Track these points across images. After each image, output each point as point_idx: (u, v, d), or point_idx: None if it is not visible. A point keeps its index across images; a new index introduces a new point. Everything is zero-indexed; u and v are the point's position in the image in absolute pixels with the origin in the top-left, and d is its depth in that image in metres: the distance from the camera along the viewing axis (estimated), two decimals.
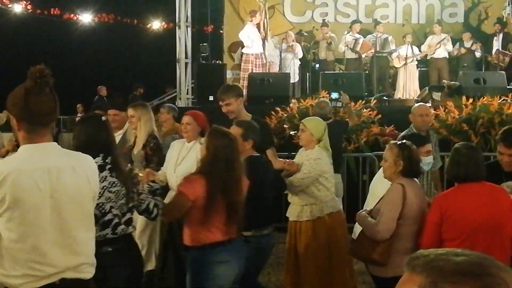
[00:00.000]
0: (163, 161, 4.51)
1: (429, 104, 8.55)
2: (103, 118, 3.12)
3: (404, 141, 3.51)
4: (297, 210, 4.30)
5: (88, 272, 2.33)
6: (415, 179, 3.44)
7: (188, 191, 3.15)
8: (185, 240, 3.26)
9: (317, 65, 11.21)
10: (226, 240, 3.20)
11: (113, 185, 2.90)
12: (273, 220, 4.07)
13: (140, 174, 3.68)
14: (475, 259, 0.94)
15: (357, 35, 11.01)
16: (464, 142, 3.55)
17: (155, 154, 4.64)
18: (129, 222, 3.00)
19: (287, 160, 4.50)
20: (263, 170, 3.78)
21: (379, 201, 3.44)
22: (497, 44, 10.91)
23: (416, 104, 5.59)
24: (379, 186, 3.65)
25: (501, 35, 10.90)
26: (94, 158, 2.59)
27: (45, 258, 2.18)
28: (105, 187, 2.85)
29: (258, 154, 3.82)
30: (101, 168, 2.80)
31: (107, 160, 2.91)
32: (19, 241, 2.14)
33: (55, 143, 2.32)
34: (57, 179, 2.19)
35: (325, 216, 4.24)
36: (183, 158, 4.30)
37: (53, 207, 2.19)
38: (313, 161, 4.20)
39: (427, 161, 3.87)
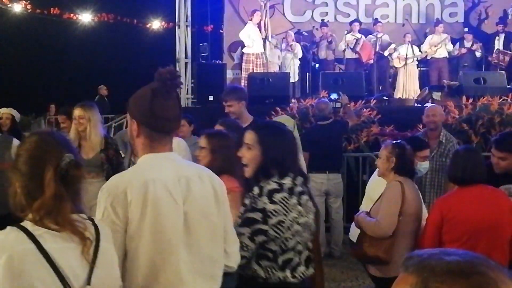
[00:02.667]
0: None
1: (429, 104, 8.57)
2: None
3: (399, 140, 3.57)
4: None
5: None
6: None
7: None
8: None
9: (317, 65, 11.21)
10: None
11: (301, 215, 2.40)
12: None
13: None
14: (466, 258, 0.95)
15: (358, 35, 11.01)
16: (464, 144, 3.58)
17: (117, 156, 4.47)
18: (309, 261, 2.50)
19: None
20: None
21: (376, 202, 3.46)
22: (499, 43, 10.89)
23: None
24: (376, 189, 3.67)
25: (503, 35, 10.88)
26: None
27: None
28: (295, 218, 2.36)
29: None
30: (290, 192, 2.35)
31: (295, 181, 2.40)
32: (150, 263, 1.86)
33: (176, 153, 2.06)
34: (187, 189, 1.93)
35: None
36: None
37: (186, 222, 1.92)
38: None
39: (422, 166, 3.89)
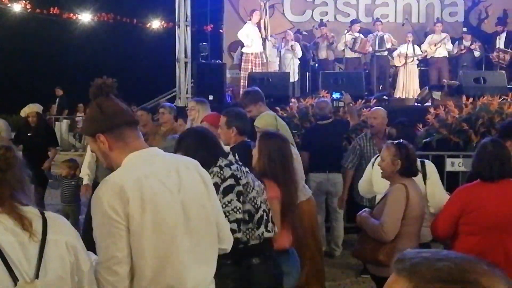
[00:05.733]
0: None
1: (429, 104, 8.57)
2: None
3: (401, 140, 3.52)
4: None
5: None
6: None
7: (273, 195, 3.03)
8: None
9: (317, 65, 11.20)
10: (289, 248, 3.08)
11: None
12: None
13: None
14: (458, 264, 0.93)
15: (357, 34, 11.01)
16: (491, 138, 3.51)
17: None
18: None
19: None
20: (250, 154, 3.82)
21: (379, 201, 3.44)
22: (499, 42, 10.88)
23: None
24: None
25: (504, 34, 10.87)
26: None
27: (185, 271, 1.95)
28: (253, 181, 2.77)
29: (246, 140, 3.78)
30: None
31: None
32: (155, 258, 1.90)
33: (156, 147, 2.11)
34: (178, 178, 1.97)
35: None
36: None
37: (183, 211, 1.97)
38: None
39: None
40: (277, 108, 7.42)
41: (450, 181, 6.05)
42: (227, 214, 2.52)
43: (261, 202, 2.77)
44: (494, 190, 3.11)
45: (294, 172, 3.22)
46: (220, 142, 2.83)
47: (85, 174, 5.57)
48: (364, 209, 3.62)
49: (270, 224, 2.80)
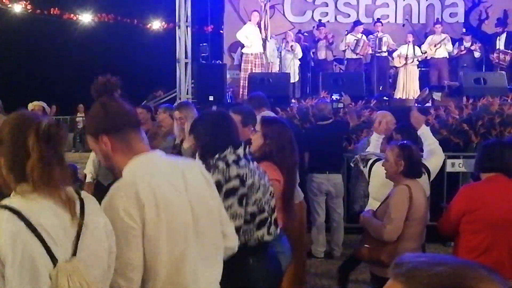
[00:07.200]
0: None
1: (429, 104, 8.58)
2: None
3: (404, 141, 3.51)
4: None
5: None
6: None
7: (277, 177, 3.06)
8: None
9: (313, 63, 11.18)
10: (282, 228, 3.06)
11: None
12: None
13: None
14: (456, 269, 0.92)
15: (359, 36, 11.01)
16: (495, 138, 3.54)
17: None
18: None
19: None
20: None
21: (383, 202, 3.44)
22: (499, 43, 10.87)
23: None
24: (381, 190, 3.66)
25: (504, 35, 10.88)
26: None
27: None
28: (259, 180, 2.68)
29: None
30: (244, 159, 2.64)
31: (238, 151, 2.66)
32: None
33: (158, 150, 2.08)
34: (183, 178, 1.96)
35: None
36: None
37: (192, 211, 1.95)
38: None
39: None
40: (278, 109, 7.42)
41: (451, 182, 6.06)
42: None
43: (265, 203, 2.69)
44: (499, 188, 3.12)
45: (297, 157, 3.31)
46: (234, 131, 2.73)
47: (88, 172, 5.62)
48: (367, 209, 3.62)
49: (272, 228, 2.74)
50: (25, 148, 1.58)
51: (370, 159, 4.14)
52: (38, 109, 7.11)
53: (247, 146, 2.71)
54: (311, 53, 11.26)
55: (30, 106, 7.22)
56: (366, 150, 4.44)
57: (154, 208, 1.81)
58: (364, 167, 4.19)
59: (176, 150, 4.89)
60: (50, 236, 1.54)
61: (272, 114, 5.05)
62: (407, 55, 10.79)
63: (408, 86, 10.82)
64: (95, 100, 1.99)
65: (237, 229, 2.49)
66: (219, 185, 2.44)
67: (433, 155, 4.10)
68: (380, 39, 10.85)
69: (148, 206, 1.80)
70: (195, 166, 2.10)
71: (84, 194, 1.71)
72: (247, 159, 2.65)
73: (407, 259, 0.98)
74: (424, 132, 4.18)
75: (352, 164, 4.68)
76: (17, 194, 1.58)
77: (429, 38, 11.16)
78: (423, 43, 11.18)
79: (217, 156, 2.57)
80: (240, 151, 2.62)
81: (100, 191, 4.84)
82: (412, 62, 10.91)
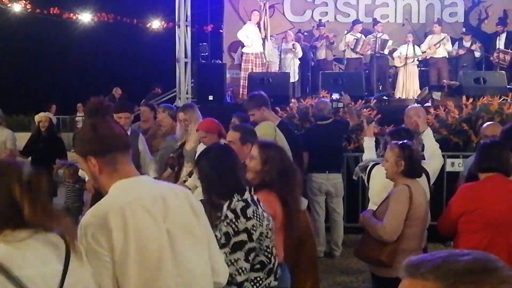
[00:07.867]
0: None
1: (429, 104, 8.57)
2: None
3: (405, 141, 3.51)
4: None
5: None
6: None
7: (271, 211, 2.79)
8: None
9: (313, 62, 11.18)
10: (282, 263, 2.86)
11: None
12: None
13: None
14: (479, 256, 0.97)
15: (358, 35, 11.01)
16: (492, 139, 3.55)
17: None
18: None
19: None
20: None
21: (383, 202, 3.44)
22: (499, 43, 10.87)
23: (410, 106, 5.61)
24: (381, 193, 3.65)
25: (504, 35, 10.87)
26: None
27: None
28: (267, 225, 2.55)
29: None
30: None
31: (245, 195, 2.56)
32: None
33: (146, 175, 2.09)
34: (164, 206, 1.95)
35: None
36: None
37: (169, 239, 1.94)
38: None
39: None
40: (277, 108, 7.42)
41: (450, 181, 6.05)
42: (232, 275, 2.40)
43: (272, 247, 2.59)
44: (497, 187, 3.13)
45: (299, 185, 3.07)
46: (238, 169, 2.61)
47: None
48: (367, 209, 3.62)
49: (279, 271, 2.67)
50: (13, 203, 1.59)
51: (368, 166, 4.15)
52: (45, 120, 7.24)
53: (251, 189, 2.64)
54: (311, 52, 11.26)
55: (37, 117, 7.33)
56: (363, 159, 4.44)
57: (122, 232, 1.82)
58: (365, 175, 4.19)
59: (178, 151, 4.88)
60: (34, 284, 1.54)
61: (272, 113, 5.01)
62: (406, 54, 10.79)
63: (408, 86, 10.82)
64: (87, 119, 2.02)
65: (240, 284, 2.45)
66: (228, 237, 2.44)
67: (433, 158, 4.10)
68: (385, 41, 10.86)
69: (116, 231, 1.82)
70: (184, 194, 2.08)
71: (69, 239, 1.70)
72: (255, 203, 2.55)
73: (427, 257, 0.99)
74: (427, 134, 4.19)
75: (355, 178, 4.63)
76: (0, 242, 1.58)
77: (429, 37, 11.15)
78: (423, 43, 11.18)
79: (226, 204, 2.50)
80: (247, 195, 2.54)
81: None
82: (412, 61, 10.91)
